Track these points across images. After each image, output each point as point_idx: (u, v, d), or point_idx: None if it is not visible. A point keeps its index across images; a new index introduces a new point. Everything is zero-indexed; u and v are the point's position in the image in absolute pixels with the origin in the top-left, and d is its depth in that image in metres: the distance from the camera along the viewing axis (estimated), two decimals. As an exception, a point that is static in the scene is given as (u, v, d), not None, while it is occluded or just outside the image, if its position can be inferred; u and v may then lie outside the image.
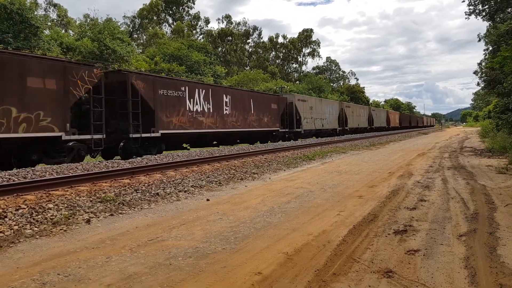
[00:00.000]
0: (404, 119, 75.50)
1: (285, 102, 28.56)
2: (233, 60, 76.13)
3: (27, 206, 5.91)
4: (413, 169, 10.66)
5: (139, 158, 13.72)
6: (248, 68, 79.10)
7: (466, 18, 23.21)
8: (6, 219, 5.26)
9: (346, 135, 38.24)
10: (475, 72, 40.96)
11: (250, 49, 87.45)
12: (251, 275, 3.41)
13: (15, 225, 5.06)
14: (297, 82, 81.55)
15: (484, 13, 22.21)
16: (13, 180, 8.09)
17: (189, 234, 4.72)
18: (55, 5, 60.19)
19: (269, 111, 26.06)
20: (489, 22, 24.34)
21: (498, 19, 23.11)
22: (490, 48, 29.99)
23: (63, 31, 42.71)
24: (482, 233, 4.50)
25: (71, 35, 39.31)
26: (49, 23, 39.40)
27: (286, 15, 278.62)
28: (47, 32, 30.69)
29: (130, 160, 12.73)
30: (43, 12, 52.45)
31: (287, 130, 28.73)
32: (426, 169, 10.62)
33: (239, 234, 4.69)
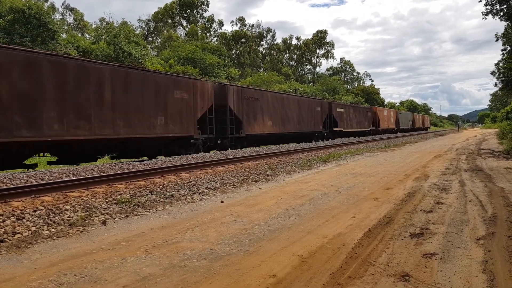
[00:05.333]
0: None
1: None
2: (247, 62, 76.28)
3: (45, 208, 6.00)
4: (429, 171, 10.51)
5: (153, 160, 13.86)
6: (262, 70, 79.18)
7: (483, 18, 22.71)
8: (24, 220, 5.35)
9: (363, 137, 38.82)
10: (493, 73, 40.29)
11: (264, 51, 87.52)
12: (266, 277, 3.40)
13: (32, 226, 5.15)
14: (311, 83, 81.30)
15: (502, 13, 21.75)
16: (31, 182, 8.23)
17: (204, 236, 4.74)
18: (71, 9, 61.33)
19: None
20: (507, 22, 23.88)
21: (517, 18, 22.65)
22: (508, 48, 29.45)
23: (79, 35, 43.42)
24: (500, 236, 4.41)
25: (88, 38, 39.96)
26: (66, 27, 40.09)
27: (299, 17, 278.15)
28: (64, 36, 31.24)
29: (145, 162, 12.86)
30: (60, 17, 53.45)
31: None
32: (442, 171, 10.46)
33: (253, 236, 4.68)
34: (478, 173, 9.97)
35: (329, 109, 32.26)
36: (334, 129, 32.91)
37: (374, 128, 44.56)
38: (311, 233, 4.78)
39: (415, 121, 68.56)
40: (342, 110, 35.14)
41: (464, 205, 6.14)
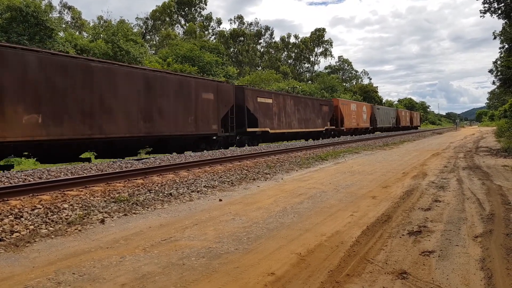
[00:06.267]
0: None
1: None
2: (245, 60, 76.23)
3: (43, 206, 5.99)
4: (427, 169, 10.53)
5: (152, 158, 13.84)
6: (260, 68, 79.15)
7: (481, 16, 22.73)
8: (22, 219, 5.34)
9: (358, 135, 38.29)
10: (491, 71, 40.28)
11: (262, 49, 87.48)
12: (264, 275, 3.41)
13: (31, 224, 5.14)
14: (309, 82, 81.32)
15: (499, 11, 21.76)
16: (29, 181, 8.22)
17: (202, 234, 4.74)
18: (69, 8, 61.13)
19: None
20: (505, 20, 23.90)
21: (515, 17, 22.65)
22: (506, 46, 29.46)
23: (77, 33, 43.28)
24: (498, 234, 4.43)
25: (85, 37, 39.85)
26: (64, 25, 39.97)
27: (297, 15, 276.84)
28: (61, 34, 31.14)
29: (143, 160, 12.84)
30: (58, 15, 53.32)
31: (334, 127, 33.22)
32: (440, 169, 10.49)
33: (252, 234, 4.69)
34: (476, 171, 9.99)
35: (238, 99, 20.08)
36: (251, 129, 20.88)
37: (333, 127, 33.51)
38: (309, 231, 4.78)
39: (399, 118, 57.33)
40: (268, 101, 23.09)
41: (462, 203, 6.15)
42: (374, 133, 42.76)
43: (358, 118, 39.30)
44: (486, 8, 21.93)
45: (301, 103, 28.03)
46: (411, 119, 66.29)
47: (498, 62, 36.25)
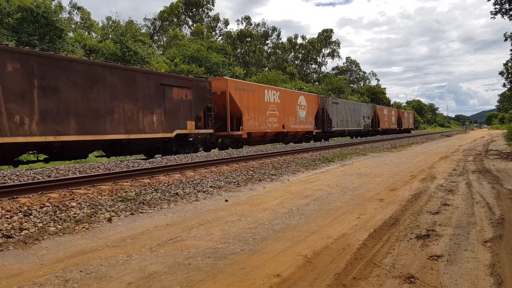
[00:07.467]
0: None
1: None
2: (252, 61, 76.23)
3: (51, 204, 6.04)
4: (436, 172, 10.45)
5: (159, 158, 13.89)
6: (266, 69, 79.11)
7: (491, 17, 22.49)
8: (31, 217, 5.39)
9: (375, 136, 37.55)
10: (501, 73, 39.92)
11: (269, 50, 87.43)
12: (270, 277, 3.39)
13: (39, 222, 5.18)
14: (316, 83, 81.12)
15: (511, 13, 21.53)
16: (38, 179, 8.28)
17: (208, 234, 4.74)
18: (78, 8, 61.61)
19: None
20: (516, 22, 23.66)
21: (526, 19, 22.39)
22: (517, 49, 29.17)
23: (86, 33, 43.61)
24: (508, 239, 4.37)
25: (94, 37, 40.15)
26: (73, 26, 40.30)
27: (304, 16, 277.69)
28: (71, 34, 31.39)
29: (150, 160, 12.89)
30: (67, 15, 53.73)
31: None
32: (449, 173, 10.39)
33: (258, 235, 4.68)
34: (485, 174, 9.88)
35: None
36: None
37: (211, 131, 17.30)
38: (315, 233, 4.76)
39: (378, 118, 40.79)
40: None
41: (471, 207, 6.09)
42: (321, 140, 28.80)
43: (285, 116, 23.95)
44: (497, 9, 21.69)
45: (73, 75, 11.42)
46: (399, 120, 50.38)
47: (509, 64, 35.89)
